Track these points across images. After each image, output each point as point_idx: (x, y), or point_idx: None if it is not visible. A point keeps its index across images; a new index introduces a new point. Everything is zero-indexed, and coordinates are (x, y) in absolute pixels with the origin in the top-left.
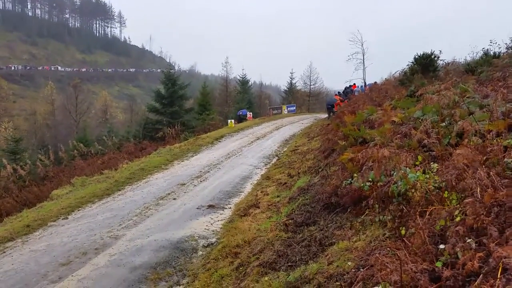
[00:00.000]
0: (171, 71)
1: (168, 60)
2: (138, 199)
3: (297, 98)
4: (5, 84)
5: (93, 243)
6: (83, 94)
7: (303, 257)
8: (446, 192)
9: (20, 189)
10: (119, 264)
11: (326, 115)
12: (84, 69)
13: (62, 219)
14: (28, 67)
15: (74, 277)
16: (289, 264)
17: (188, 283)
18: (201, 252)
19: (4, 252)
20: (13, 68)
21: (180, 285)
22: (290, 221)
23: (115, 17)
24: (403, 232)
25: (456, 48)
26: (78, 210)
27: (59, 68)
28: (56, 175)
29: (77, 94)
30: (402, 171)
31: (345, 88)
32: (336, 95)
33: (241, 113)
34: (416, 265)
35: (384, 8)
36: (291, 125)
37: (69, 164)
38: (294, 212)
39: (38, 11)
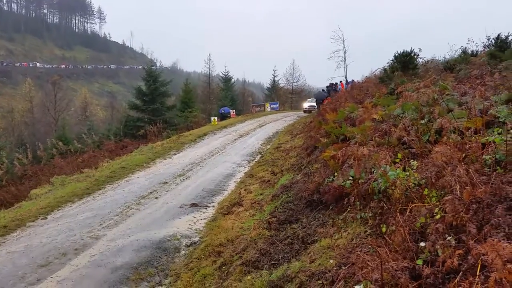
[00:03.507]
0: (152, 67)
1: (149, 57)
2: (119, 198)
3: (280, 96)
4: None
5: (73, 244)
6: (63, 91)
7: (285, 255)
8: (426, 189)
9: None
10: (100, 264)
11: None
12: (63, 66)
13: (41, 219)
14: (5, 63)
15: (53, 279)
16: (272, 262)
17: (170, 283)
18: (183, 252)
19: None
20: None
21: (162, 285)
22: (273, 219)
23: (94, 13)
24: (384, 229)
25: (436, 46)
26: (58, 210)
27: (38, 64)
28: (35, 174)
29: (56, 91)
30: (382, 169)
31: (328, 86)
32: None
33: (223, 111)
34: (396, 263)
35: (370, 8)
36: (274, 123)
37: (48, 163)
38: (277, 210)
39: (14, 6)
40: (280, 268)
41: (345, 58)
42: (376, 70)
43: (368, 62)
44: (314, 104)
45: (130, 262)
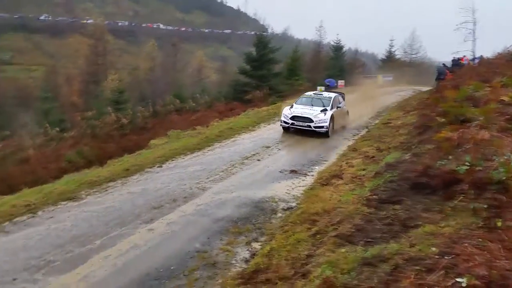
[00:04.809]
0: (263, 33)
1: (261, 23)
2: (225, 156)
3: (395, 68)
4: (111, 39)
5: (182, 192)
6: (181, 53)
7: (383, 235)
8: None
9: (121, 136)
10: (204, 214)
11: (427, 88)
12: (183, 29)
13: (157, 167)
14: (133, 24)
15: (163, 221)
16: (368, 240)
17: (265, 241)
18: (280, 214)
19: (106, 190)
20: (120, 24)
21: (258, 242)
22: (373, 196)
23: None
24: (499, 223)
25: None
26: (172, 160)
27: (161, 26)
28: (153, 126)
29: (176, 52)
30: (506, 157)
31: (453, 60)
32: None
33: (328, 83)
34: (509, 262)
35: None
36: (386, 96)
37: (165, 118)
38: (379, 188)
39: None
40: (376, 247)
41: (474, 31)
42: (510, 46)
43: (503, 36)
44: (305, 113)
45: (230, 215)
